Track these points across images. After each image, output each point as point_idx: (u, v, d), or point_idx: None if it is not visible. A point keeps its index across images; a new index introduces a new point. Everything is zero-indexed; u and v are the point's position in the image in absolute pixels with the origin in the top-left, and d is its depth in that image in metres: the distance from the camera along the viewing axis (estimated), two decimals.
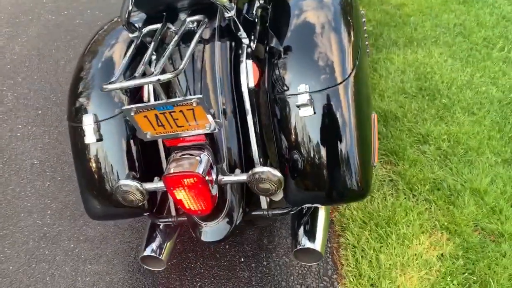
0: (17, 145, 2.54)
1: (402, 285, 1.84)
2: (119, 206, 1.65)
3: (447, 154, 2.32)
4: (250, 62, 1.52)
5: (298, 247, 1.51)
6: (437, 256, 1.92)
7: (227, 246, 2.04)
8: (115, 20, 1.88)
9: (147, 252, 1.68)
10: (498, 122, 2.47)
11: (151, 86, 1.60)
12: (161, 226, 1.73)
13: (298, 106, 1.35)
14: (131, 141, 1.62)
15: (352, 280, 1.87)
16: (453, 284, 1.82)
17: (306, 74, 1.39)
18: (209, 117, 1.30)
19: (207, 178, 1.37)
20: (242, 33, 1.55)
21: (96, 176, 1.63)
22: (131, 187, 1.45)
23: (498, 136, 2.40)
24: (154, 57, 1.56)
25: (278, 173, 1.33)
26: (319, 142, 1.40)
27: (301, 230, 1.55)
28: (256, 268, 1.95)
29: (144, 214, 1.69)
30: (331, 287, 1.88)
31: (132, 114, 1.33)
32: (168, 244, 1.72)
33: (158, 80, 1.24)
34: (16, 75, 2.99)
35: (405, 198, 2.13)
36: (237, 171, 1.47)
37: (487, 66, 2.84)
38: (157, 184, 1.50)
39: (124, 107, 1.33)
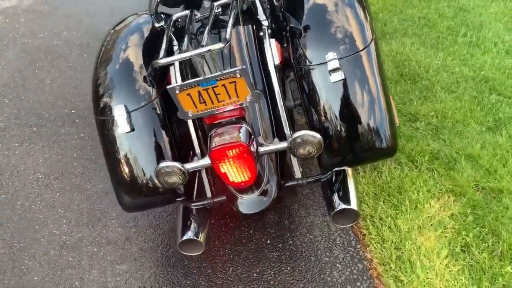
0: (17, 162, 2.49)
1: (423, 245, 1.96)
2: (154, 194, 1.69)
3: (437, 128, 2.50)
4: (273, 40, 1.62)
5: (336, 210, 1.59)
6: (448, 216, 2.06)
7: (251, 231, 2.09)
8: (126, 18, 1.92)
9: (186, 237, 1.69)
10: (476, 97, 2.70)
11: (178, 77, 1.65)
12: (194, 212, 1.76)
13: (329, 71, 1.46)
14: (162, 129, 1.66)
15: (376, 246, 1.98)
16: (468, 238, 1.97)
17: (331, 45, 1.51)
18: (250, 88, 1.38)
19: (250, 147, 1.44)
20: (262, 16, 1.66)
21: (130, 167, 1.67)
22: (173, 167, 1.49)
23: (478, 108, 2.62)
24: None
25: (317, 135, 1.43)
26: (350, 105, 1.52)
27: (335, 195, 1.64)
28: (283, 247, 2.02)
29: (178, 199, 1.72)
30: (358, 255, 1.97)
31: (177, 92, 1.39)
32: (203, 227, 1.75)
33: (209, 50, 1.31)
34: (2, 98, 2.94)
35: (409, 169, 2.28)
36: (276, 140, 1.55)
37: (455, 50, 3.10)
38: (197, 163, 1.55)
39: (168, 86, 1.39)
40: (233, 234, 2.09)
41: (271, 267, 1.95)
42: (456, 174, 2.23)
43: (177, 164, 1.50)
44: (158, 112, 1.67)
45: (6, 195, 2.32)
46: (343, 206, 1.58)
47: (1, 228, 2.17)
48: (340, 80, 1.48)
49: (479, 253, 1.91)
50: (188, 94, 1.40)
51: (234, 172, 1.48)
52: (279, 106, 1.60)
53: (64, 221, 2.18)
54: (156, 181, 1.66)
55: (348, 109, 1.53)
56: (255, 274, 1.93)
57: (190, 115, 1.45)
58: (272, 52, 1.61)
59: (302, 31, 1.60)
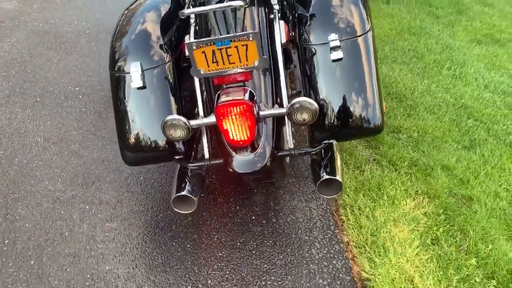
0: (18, 125, 2.58)
1: (396, 235, 2.10)
2: (155, 150, 1.81)
3: (418, 141, 2.70)
4: (282, 22, 1.81)
5: (321, 179, 1.73)
6: (422, 213, 2.22)
7: (237, 207, 2.21)
8: None
9: (180, 193, 1.80)
10: (455, 120, 2.92)
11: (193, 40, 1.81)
12: (189, 172, 1.88)
13: (330, 49, 1.65)
14: (171, 90, 1.81)
15: (353, 231, 2.11)
16: (439, 232, 2.12)
17: (333, 28, 1.71)
18: (259, 52, 1.55)
19: (253, 108, 1.59)
20: (274, 0, 1.86)
21: (137, 121, 1.80)
22: (179, 121, 1.63)
23: (456, 129, 2.83)
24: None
25: (314, 103, 1.59)
26: (345, 84, 1.70)
27: (322, 167, 1.78)
28: (267, 223, 2.14)
29: (176, 157, 1.84)
30: (335, 238, 2.10)
31: (194, 48, 1.54)
32: (197, 188, 1.86)
33: (230, 6, 1.48)
34: (8, 69, 3.05)
35: (389, 171, 2.45)
36: (276, 106, 1.71)
37: (439, 79, 3.35)
38: (202, 121, 1.69)
39: (187, 42, 1.55)
40: (220, 208, 2.20)
41: (254, 239, 2.06)
42: (432, 180, 2.40)
43: (183, 118, 1.64)
44: (170, 74, 1.82)
45: (4, 152, 2.40)
46: (329, 176, 1.72)
47: None
48: (339, 59, 1.66)
49: (448, 246, 2.06)
50: (203, 52, 1.56)
51: (236, 130, 1.63)
52: (281, 77, 1.76)
53: (59, 180, 2.26)
54: (159, 138, 1.80)
55: (342, 87, 1.70)
56: (238, 244, 2.04)
57: (202, 72, 1.60)
58: (280, 31, 1.79)
59: (309, 17, 1.79)
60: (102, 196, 2.20)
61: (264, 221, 2.15)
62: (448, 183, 2.40)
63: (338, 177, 1.73)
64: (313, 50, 1.73)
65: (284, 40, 1.79)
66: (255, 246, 2.03)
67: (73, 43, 3.41)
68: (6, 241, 1.95)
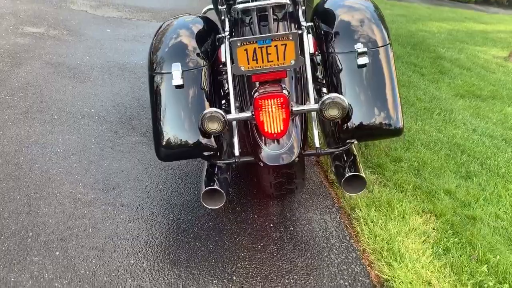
0: (37, 137, 2.63)
1: (410, 245, 2.19)
2: (188, 146, 1.91)
3: (418, 169, 2.86)
4: (310, 35, 2.01)
5: (347, 175, 1.84)
6: (431, 228, 2.32)
7: (255, 216, 2.27)
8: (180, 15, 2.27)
9: (210, 187, 1.86)
10: (450, 154, 3.12)
11: (227, 52, 1.98)
12: (217, 169, 1.96)
13: (357, 55, 1.84)
14: (207, 90, 1.95)
15: (369, 241, 2.19)
16: (449, 243, 2.22)
17: (358, 40, 1.91)
18: (296, 52, 1.72)
19: (289, 101, 1.74)
20: (302, 18, 2.07)
21: (173, 118, 1.91)
22: (217, 113, 1.75)
23: (452, 162, 3.02)
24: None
25: (346, 100, 1.74)
26: (369, 89, 1.87)
27: (345, 165, 1.90)
28: (285, 231, 2.20)
29: (205, 153, 1.92)
30: (352, 246, 2.17)
31: (238, 45, 1.71)
32: (225, 184, 1.94)
33: (278, 2, 1.67)
34: (25, 91, 3.14)
35: (396, 192, 2.58)
36: (307, 103, 1.85)
37: (432, 122, 3.60)
38: (238, 115, 1.82)
39: (232, 39, 1.72)
40: (239, 216, 2.26)
41: (274, 243, 2.11)
42: (436, 201, 2.54)
43: (220, 111, 1.76)
44: (205, 77, 1.97)
45: (24, 158, 2.44)
46: (353, 172, 1.84)
47: (18, 181, 2.26)
48: (365, 64, 1.85)
49: (459, 256, 2.15)
50: (245, 50, 1.73)
51: (271, 122, 1.75)
52: (309, 82, 1.91)
53: (80, 184, 2.30)
54: (193, 135, 1.91)
55: (367, 92, 1.87)
56: (259, 246, 2.08)
57: (242, 69, 1.75)
58: (309, 42, 1.98)
59: (333, 34, 1.99)
60: (123, 200, 2.23)
61: (282, 229, 2.21)
62: (452, 205, 2.53)
63: (362, 174, 1.85)
64: (339, 58, 1.91)
65: (312, 51, 1.98)
66: (275, 249, 2.08)
67: (86, 74, 3.55)
68: (30, 233, 1.94)
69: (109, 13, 5.22)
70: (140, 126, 2.92)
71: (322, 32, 2.06)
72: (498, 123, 3.90)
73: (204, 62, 1.99)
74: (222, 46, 2.02)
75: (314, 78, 2.03)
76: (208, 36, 2.13)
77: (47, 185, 2.26)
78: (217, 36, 2.14)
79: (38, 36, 4.19)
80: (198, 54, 2.01)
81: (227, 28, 2.06)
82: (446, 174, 2.85)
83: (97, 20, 4.95)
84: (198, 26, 2.14)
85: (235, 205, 2.32)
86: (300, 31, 2.06)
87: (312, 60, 2.05)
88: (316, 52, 2.04)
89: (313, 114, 1.92)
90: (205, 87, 1.95)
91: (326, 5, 2.15)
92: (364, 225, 2.29)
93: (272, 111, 1.74)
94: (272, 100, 1.73)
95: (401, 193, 2.58)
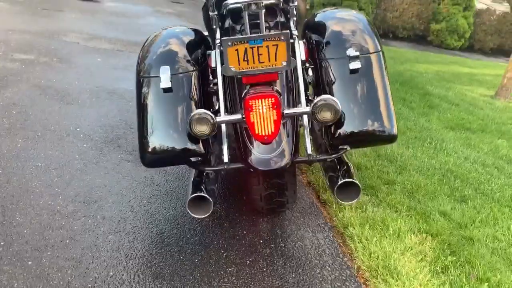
0: (18, 152, 2.53)
1: (406, 263, 2.08)
2: (175, 152, 1.83)
3: (412, 191, 2.79)
4: (302, 42, 1.99)
5: (340, 182, 1.76)
6: (428, 247, 2.23)
7: (244, 232, 2.16)
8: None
9: (197, 193, 1.77)
10: (443, 180, 3.06)
11: (218, 57, 1.94)
12: (205, 177, 1.88)
13: (350, 59, 1.81)
14: (195, 95, 1.89)
15: (363, 258, 2.08)
16: (447, 261, 2.12)
17: (350, 46, 1.89)
18: (288, 53, 1.69)
19: (280, 102, 1.68)
20: (293, 27, 2.06)
21: (160, 123, 1.84)
22: (206, 115, 1.69)
23: (446, 187, 2.96)
24: None
25: (338, 102, 1.69)
26: (362, 95, 1.83)
27: (338, 172, 1.83)
28: (276, 247, 2.08)
29: (193, 159, 1.84)
30: (346, 264, 2.05)
31: (229, 44, 1.67)
32: (213, 192, 1.85)
33: (262, 1, 1.65)
34: (9, 110, 3.05)
35: (390, 211, 2.49)
36: (299, 106, 1.80)
37: (423, 150, 3.57)
38: (227, 117, 1.76)
39: (223, 38, 1.68)
40: (227, 231, 2.14)
41: (263, 258, 1.99)
42: (432, 222, 2.45)
43: (209, 113, 1.70)
44: (195, 81, 1.92)
45: (2, 171, 2.32)
46: (346, 179, 1.76)
47: None
48: (357, 69, 1.82)
49: (457, 275, 2.04)
50: (236, 50, 1.69)
51: (262, 123, 1.69)
52: (300, 87, 1.86)
53: (61, 197, 2.18)
54: (180, 140, 1.83)
55: (359, 98, 1.83)
56: (247, 262, 1.96)
57: (233, 70, 1.71)
58: (300, 49, 1.95)
59: (325, 43, 1.98)
60: (104, 213, 2.12)
61: (273, 245, 2.10)
62: (448, 226, 2.45)
63: (356, 180, 1.77)
64: (331, 64, 1.89)
65: (303, 58, 1.95)
66: (265, 265, 1.96)
67: (74, 97, 3.49)
68: (1, 243, 1.81)
69: (101, 45, 5.25)
70: (126, 145, 2.83)
71: (314, 42, 2.04)
72: (489, 153, 3.88)
73: (194, 68, 1.94)
74: (213, 52, 1.98)
75: (306, 86, 1.99)
76: (198, 45, 2.10)
77: (25, 196, 2.14)
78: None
79: (28, 62, 4.16)
80: (188, 61, 1.97)
81: (218, 36, 2.03)
82: (440, 197, 2.78)
83: (88, 50, 4.96)
84: (188, 36, 2.12)
85: (223, 221, 2.21)
86: (292, 40, 2.05)
87: (303, 69, 2.02)
88: (307, 63, 2.01)
89: (305, 121, 1.86)
90: (194, 92, 1.90)
91: (317, 18, 2.15)
92: (358, 242, 2.18)
93: (263, 112, 1.68)
94: (263, 101, 1.67)
95: (395, 213, 2.50)
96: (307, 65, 2.05)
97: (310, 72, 2.04)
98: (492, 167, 3.52)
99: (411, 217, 2.47)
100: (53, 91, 3.55)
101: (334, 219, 2.39)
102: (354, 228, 2.27)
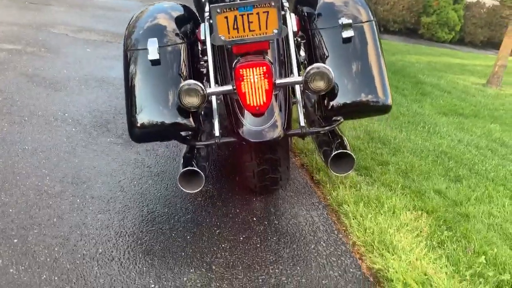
0: (4, 136, 2.46)
1: (402, 238, 2.05)
2: (164, 126, 1.78)
3: (406, 172, 2.76)
4: (293, 15, 1.95)
5: (333, 153, 1.72)
6: (423, 223, 2.19)
7: (237, 210, 2.12)
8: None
9: (188, 167, 1.72)
10: (437, 161, 3.04)
11: (207, 30, 1.89)
12: (196, 152, 1.83)
13: (342, 27, 1.77)
14: (184, 68, 1.85)
15: (358, 234, 2.04)
16: (443, 236, 2.09)
17: (342, 15, 1.85)
18: (279, 20, 1.64)
19: (272, 71, 1.64)
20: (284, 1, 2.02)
21: (148, 96, 1.80)
22: (196, 86, 1.64)
23: (440, 167, 2.93)
24: None
25: (332, 70, 1.65)
26: (355, 64, 1.79)
27: (331, 145, 1.79)
28: (269, 224, 2.04)
29: (183, 134, 1.80)
30: (341, 240, 2.02)
31: (218, 11, 1.63)
32: (204, 167, 1.80)
33: None
34: None
35: (384, 189, 2.46)
36: (291, 75, 1.76)
37: (417, 133, 3.55)
38: (217, 89, 1.71)
39: (211, 5, 1.63)
40: (220, 210, 2.10)
41: (257, 235, 1.95)
42: (427, 199, 2.42)
43: (200, 84, 1.65)
44: (183, 54, 1.87)
45: None
46: (340, 150, 1.73)
47: None
48: (350, 38, 1.78)
49: (454, 249, 2.01)
50: (226, 17, 1.64)
51: (253, 94, 1.65)
52: (292, 55, 1.81)
53: (48, 178, 2.12)
54: (169, 114, 1.78)
55: (353, 67, 1.80)
56: (241, 238, 1.91)
57: (222, 38, 1.66)
58: (292, 21, 1.91)
59: (316, 14, 1.94)
60: (93, 193, 2.06)
61: (266, 222, 2.06)
62: (443, 203, 2.42)
63: (350, 152, 1.74)
64: (324, 33, 1.85)
65: (295, 29, 1.91)
66: (259, 241, 1.91)
67: (62, 84, 3.43)
68: None
69: (90, 37, 5.17)
70: (116, 129, 2.78)
71: (305, 14, 2.01)
72: (482, 136, 3.87)
73: (182, 41, 1.90)
74: (202, 25, 1.93)
75: (298, 62, 1.95)
76: (187, 20, 2.05)
77: (11, 178, 2.08)
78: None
79: (15, 52, 4.08)
80: (176, 34, 1.92)
81: (207, 9, 1.99)
82: (435, 177, 2.75)
83: (77, 41, 4.88)
84: (177, 11, 2.07)
85: (216, 201, 2.17)
86: (283, 12, 2.01)
87: (295, 43, 1.97)
88: (299, 38, 1.97)
89: (298, 93, 1.81)
90: (183, 66, 1.85)
91: None
92: (353, 219, 2.15)
93: (254, 81, 1.64)
94: (254, 69, 1.63)
95: (390, 191, 2.46)
96: (299, 39, 2.01)
97: (302, 53, 2.00)
98: (486, 149, 3.50)
99: (406, 195, 2.44)
100: (40, 78, 3.48)
101: (328, 197, 2.35)
102: (348, 206, 2.24)
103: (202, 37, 1.91)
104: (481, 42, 12.83)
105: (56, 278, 1.53)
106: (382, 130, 3.44)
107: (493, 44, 12.56)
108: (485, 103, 5.17)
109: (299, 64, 1.98)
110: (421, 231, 2.14)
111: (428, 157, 3.06)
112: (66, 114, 2.89)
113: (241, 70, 1.63)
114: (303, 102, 1.97)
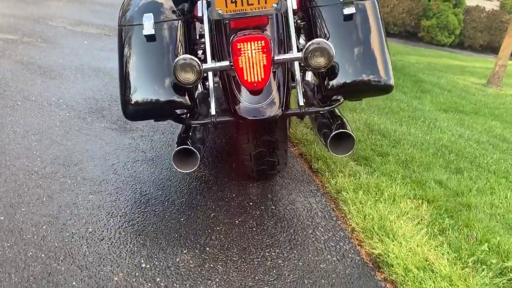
0: None
1: (402, 225, 1.99)
2: (159, 104, 1.72)
3: (407, 162, 2.71)
4: None
5: (333, 133, 1.66)
6: (424, 211, 2.14)
7: (233, 195, 2.06)
8: None
9: (183, 146, 1.66)
10: (438, 154, 2.98)
11: (205, 5, 1.84)
12: (192, 130, 1.78)
13: (343, 4, 1.71)
14: (179, 44, 1.79)
15: (357, 219, 1.98)
16: (444, 224, 2.03)
17: None
18: None
19: (270, 46, 1.59)
20: None
21: (143, 73, 1.74)
22: (192, 61, 1.59)
23: (441, 159, 2.88)
24: None
25: (332, 46, 1.59)
26: (356, 42, 1.74)
27: (331, 125, 1.73)
28: (266, 209, 1.98)
29: (178, 112, 1.74)
30: (339, 226, 1.96)
31: None
32: (200, 147, 1.74)
33: None
34: None
35: (385, 179, 2.40)
36: (290, 51, 1.70)
37: (417, 127, 3.50)
38: (214, 64, 1.66)
39: None
40: (215, 194, 2.04)
41: (253, 219, 1.89)
42: (428, 189, 2.37)
43: (196, 59, 1.60)
44: (179, 30, 1.81)
45: None
46: (340, 130, 1.67)
47: None
48: (351, 14, 1.73)
49: (456, 236, 1.96)
50: None
51: (251, 69, 1.59)
52: (291, 31, 1.75)
53: (39, 159, 2.06)
54: (164, 91, 1.73)
55: (354, 45, 1.74)
56: (236, 221, 1.86)
57: (220, 12, 1.61)
58: None
59: None
60: (85, 174, 2.00)
61: (263, 207, 2.00)
62: (444, 193, 2.37)
63: (350, 131, 1.68)
64: (325, 10, 1.79)
65: (295, 7, 1.86)
66: (255, 225, 1.86)
67: (58, 73, 3.37)
68: None
69: (88, 30, 5.12)
70: (111, 115, 2.72)
71: None
72: (483, 132, 3.82)
73: (179, 17, 1.84)
74: (199, 2, 1.88)
75: (297, 37, 1.90)
76: None
77: (0, 158, 2.02)
78: None
79: (11, 41, 4.02)
80: (173, 11, 1.86)
81: None
82: (435, 168, 2.70)
83: (75, 34, 4.83)
84: None
85: (211, 185, 2.11)
86: None
87: (295, 22, 1.92)
88: (299, 20, 1.92)
89: (297, 71, 1.76)
90: (178, 42, 1.80)
91: None
92: (352, 206, 2.09)
93: (252, 56, 1.58)
94: (252, 43, 1.58)
95: (390, 180, 2.41)
96: (299, 21, 1.96)
97: (302, 41, 1.95)
98: (487, 144, 3.45)
99: (406, 184, 2.39)
100: (36, 67, 3.43)
101: (326, 185, 2.30)
102: (347, 193, 2.18)
103: (200, 14, 1.86)
104: (480, 46, 12.81)
105: (43, 255, 1.47)
106: (382, 123, 3.39)
107: (492, 48, 12.54)
108: (485, 101, 5.13)
109: (298, 45, 1.92)
110: (422, 219, 2.08)
111: (428, 149, 3.01)
112: (61, 100, 2.83)
113: (238, 44, 1.58)
114: (302, 88, 1.92)
